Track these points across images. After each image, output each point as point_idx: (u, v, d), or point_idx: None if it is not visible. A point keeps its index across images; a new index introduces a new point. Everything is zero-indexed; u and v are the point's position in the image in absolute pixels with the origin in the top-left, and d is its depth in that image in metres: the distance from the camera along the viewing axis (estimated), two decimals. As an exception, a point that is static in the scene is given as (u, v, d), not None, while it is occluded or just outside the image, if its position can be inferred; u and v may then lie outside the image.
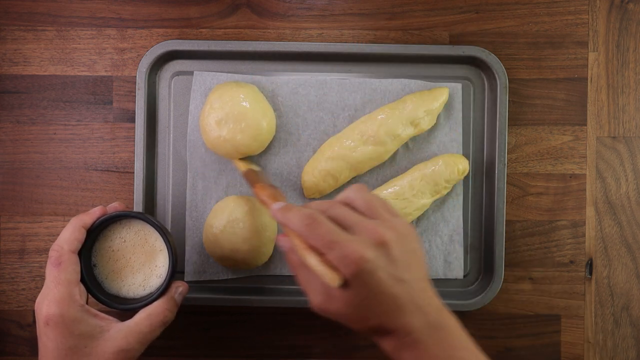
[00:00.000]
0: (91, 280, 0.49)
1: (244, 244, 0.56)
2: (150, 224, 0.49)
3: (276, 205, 0.45)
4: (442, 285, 0.61)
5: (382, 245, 0.41)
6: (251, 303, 0.59)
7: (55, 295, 0.44)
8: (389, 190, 0.58)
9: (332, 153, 0.57)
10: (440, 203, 0.60)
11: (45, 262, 0.60)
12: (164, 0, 0.61)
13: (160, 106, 0.61)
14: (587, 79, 0.61)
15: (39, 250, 0.61)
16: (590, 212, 0.61)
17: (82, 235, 0.47)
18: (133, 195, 0.59)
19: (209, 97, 0.57)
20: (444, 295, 0.60)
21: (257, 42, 0.60)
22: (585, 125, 0.62)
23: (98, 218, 0.48)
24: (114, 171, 0.61)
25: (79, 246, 0.47)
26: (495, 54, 0.59)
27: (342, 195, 0.46)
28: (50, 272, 0.45)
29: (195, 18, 0.61)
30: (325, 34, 0.61)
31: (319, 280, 0.41)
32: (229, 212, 0.57)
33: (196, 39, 0.61)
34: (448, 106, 0.60)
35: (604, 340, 0.61)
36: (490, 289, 0.59)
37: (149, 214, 0.60)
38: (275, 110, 0.59)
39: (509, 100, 0.60)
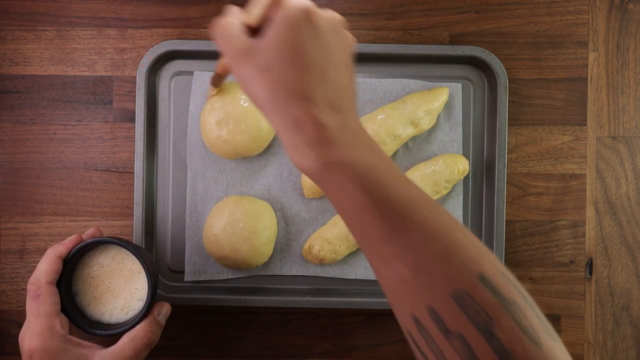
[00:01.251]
0: (73, 309, 0.49)
1: (244, 244, 0.56)
2: (126, 248, 0.49)
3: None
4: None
5: (308, 13, 0.36)
6: (251, 303, 0.59)
7: (36, 328, 0.45)
8: (389, 190, 0.58)
9: (332, 153, 0.57)
10: (440, 203, 0.60)
11: (45, 262, 0.60)
12: (164, 0, 0.61)
13: (160, 106, 0.61)
14: (587, 79, 0.61)
15: (39, 250, 0.61)
16: (590, 212, 0.61)
17: (58, 266, 0.47)
18: (133, 195, 0.59)
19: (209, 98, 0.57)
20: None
21: (257, 42, 0.60)
22: (585, 125, 0.62)
23: (74, 246, 0.49)
24: (114, 171, 0.61)
25: (56, 277, 0.47)
26: (495, 54, 0.59)
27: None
28: (30, 306, 0.46)
29: (195, 18, 0.61)
30: (325, 34, 0.61)
31: (237, 32, 0.37)
32: (229, 212, 0.57)
33: (196, 39, 0.61)
34: (448, 106, 0.60)
35: (604, 340, 0.61)
36: (490, 289, 0.59)
37: (149, 214, 0.60)
38: (275, 110, 0.59)
39: (509, 100, 0.60)
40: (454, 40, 0.61)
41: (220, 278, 0.60)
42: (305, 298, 0.59)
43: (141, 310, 0.49)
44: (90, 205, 0.61)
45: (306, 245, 0.59)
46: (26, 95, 0.61)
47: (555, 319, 0.61)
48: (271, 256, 0.59)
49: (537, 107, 0.61)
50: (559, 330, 0.61)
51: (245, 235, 0.56)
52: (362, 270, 0.60)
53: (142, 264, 0.49)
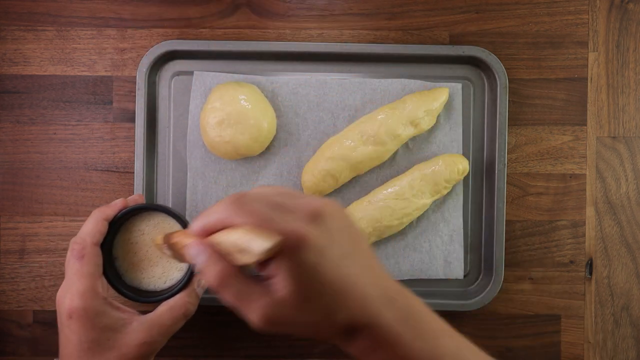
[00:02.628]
0: (112, 273, 0.49)
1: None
2: (172, 216, 0.49)
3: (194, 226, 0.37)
4: (442, 285, 0.61)
5: (320, 217, 0.34)
6: (251, 303, 0.59)
7: (78, 288, 0.44)
8: (389, 190, 0.58)
9: (332, 153, 0.57)
10: (440, 203, 0.60)
11: (46, 262, 0.60)
12: (164, 0, 0.61)
13: (160, 106, 0.61)
14: (587, 79, 0.61)
15: (39, 250, 0.61)
16: (590, 212, 0.61)
17: (104, 228, 0.47)
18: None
19: (209, 98, 0.57)
20: (444, 295, 0.60)
21: (257, 42, 0.60)
22: (585, 125, 0.62)
23: (120, 210, 0.48)
24: (114, 171, 0.61)
25: (101, 239, 0.47)
26: (495, 54, 0.59)
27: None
28: (73, 265, 0.45)
29: (195, 18, 0.61)
30: (325, 34, 0.61)
31: (257, 289, 0.35)
32: None
33: (196, 39, 0.61)
34: (448, 106, 0.60)
35: (604, 340, 0.61)
36: (490, 289, 0.59)
37: None
38: (275, 110, 0.59)
39: (509, 100, 0.60)
40: (454, 40, 0.61)
41: (220, 278, 0.60)
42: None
43: (181, 280, 0.49)
44: (90, 205, 0.61)
45: None
46: (26, 95, 0.61)
47: (555, 319, 0.61)
48: (271, 256, 0.59)
49: (537, 107, 0.61)
50: (559, 330, 0.61)
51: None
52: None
53: None
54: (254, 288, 0.35)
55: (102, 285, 0.46)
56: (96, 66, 0.61)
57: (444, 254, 0.60)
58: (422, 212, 0.59)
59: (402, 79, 0.60)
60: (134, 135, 0.59)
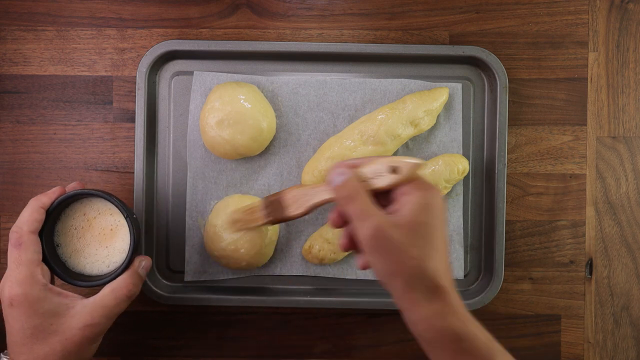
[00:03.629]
0: (55, 259, 0.49)
1: (246, 244, 0.56)
2: (110, 201, 0.50)
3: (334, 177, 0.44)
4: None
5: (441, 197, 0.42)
6: (251, 303, 0.59)
7: (17, 275, 0.45)
8: (389, 190, 0.58)
9: (332, 153, 0.57)
10: (440, 203, 0.60)
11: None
12: (164, 0, 0.61)
13: (160, 106, 0.61)
14: (587, 79, 0.61)
15: (39, 250, 0.61)
16: (590, 212, 0.61)
17: (41, 216, 0.47)
18: (133, 195, 0.59)
19: (209, 97, 0.57)
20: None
21: (257, 42, 0.60)
22: (585, 125, 0.62)
23: (57, 197, 0.49)
24: (114, 171, 0.61)
25: (39, 227, 0.47)
26: (495, 54, 0.59)
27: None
28: (11, 254, 0.46)
29: (195, 18, 0.61)
30: (325, 34, 0.61)
31: (377, 210, 0.40)
32: (230, 212, 0.57)
33: (196, 39, 0.61)
34: (448, 106, 0.60)
35: (604, 340, 0.61)
36: (490, 289, 0.59)
37: (149, 214, 0.60)
38: (275, 110, 0.59)
39: (509, 100, 0.60)
40: (454, 40, 0.61)
41: (220, 278, 0.60)
42: (305, 298, 0.59)
43: (123, 263, 0.49)
44: (90, 205, 0.61)
45: (306, 245, 0.59)
46: (26, 95, 0.61)
47: (555, 319, 0.61)
48: (271, 256, 0.59)
49: (537, 107, 0.61)
50: (559, 330, 0.61)
51: (247, 235, 0.56)
52: (362, 270, 0.60)
53: (125, 217, 0.50)
54: (375, 209, 0.40)
55: (43, 272, 0.46)
56: (96, 66, 0.61)
57: (444, 254, 0.60)
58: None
59: (402, 79, 0.60)
60: (134, 135, 0.59)
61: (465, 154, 0.60)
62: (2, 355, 0.47)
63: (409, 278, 0.39)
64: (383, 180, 0.42)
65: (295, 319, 0.61)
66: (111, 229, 0.51)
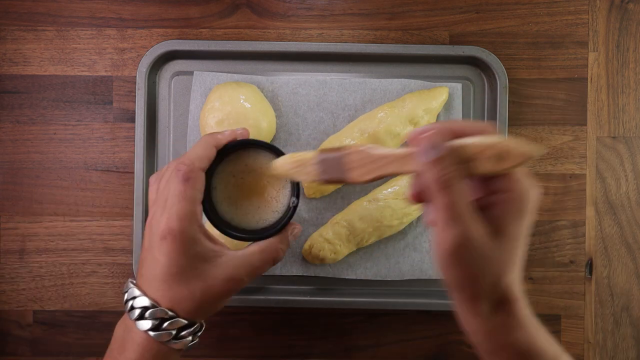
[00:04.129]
0: (209, 202, 0.47)
1: (244, 245, 0.56)
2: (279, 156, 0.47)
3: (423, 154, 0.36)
4: (442, 285, 0.60)
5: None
6: (251, 303, 0.59)
7: (178, 210, 0.42)
8: (389, 190, 0.58)
9: (332, 153, 0.57)
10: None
11: (46, 262, 0.60)
12: (164, 0, 0.61)
13: (160, 106, 0.61)
14: (587, 79, 0.61)
15: (38, 250, 0.61)
16: (590, 212, 0.61)
17: (213, 155, 0.45)
18: (133, 195, 0.59)
19: (209, 97, 0.57)
20: (444, 295, 0.60)
21: (257, 42, 0.60)
22: (585, 125, 0.62)
23: (229, 141, 0.46)
24: (114, 171, 0.61)
25: (208, 165, 0.45)
26: (495, 54, 0.59)
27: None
28: (176, 186, 0.42)
29: (195, 18, 0.61)
30: (325, 34, 0.61)
31: (474, 214, 0.35)
32: None
33: (196, 39, 0.61)
34: (448, 106, 0.60)
35: (604, 340, 0.61)
36: (490, 289, 0.59)
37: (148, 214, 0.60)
38: (275, 110, 0.59)
39: (509, 100, 0.60)
40: (454, 40, 0.61)
41: (220, 278, 0.60)
42: (305, 298, 0.59)
43: (277, 223, 0.47)
44: (90, 205, 0.61)
45: (306, 245, 0.58)
46: (26, 95, 0.61)
47: (555, 319, 0.61)
48: (271, 256, 0.59)
49: (537, 107, 0.61)
50: (559, 330, 0.61)
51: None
52: (362, 270, 0.60)
53: (290, 180, 0.47)
54: (470, 210, 0.34)
55: (200, 212, 0.44)
56: (96, 66, 0.61)
57: (444, 254, 0.60)
58: (422, 212, 0.59)
59: (402, 79, 0.60)
60: (134, 135, 0.59)
61: (465, 154, 0.60)
62: (129, 281, 0.44)
63: (480, 291, 0.35)
64: (486, 166, 0.34)
65: (295, 319, 0.61)
66: (269, 187, 0.48)
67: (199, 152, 0.44)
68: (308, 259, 0.59)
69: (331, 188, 0.59)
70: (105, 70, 0.61)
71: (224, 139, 0.46)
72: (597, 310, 0.61)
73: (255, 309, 0.61)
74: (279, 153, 0.46)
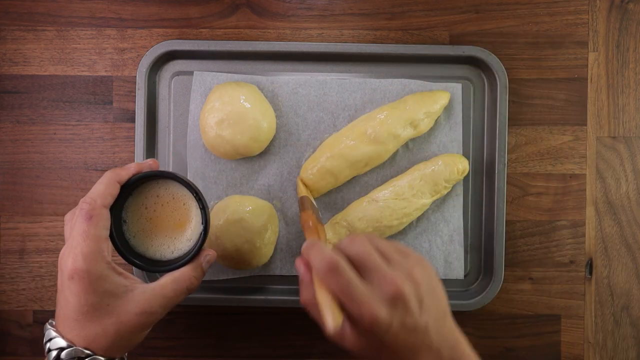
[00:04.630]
0: (119, 237, 0.47)
1: (246, 244, 0.56)
2: (187, 188, 0.47)
3: (306, 242, 0.43)
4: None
5: (399, 299, 0.38)
6: (251, 303, 0.59)
7: (83, 249, 0.42)
8: (389, 190, 0.58)
9: (332, 151, 0.57)
10: (440, 203, 0.60)
11: (46, 262, 0.60)
12: (164, 0, 0.61)
13: (160, 106, 0.61)
14: (587, 79, 0.61)
15: (39, 250, 0.61)
16: (590, 212, 0.61)
17: (116, 191, 0.45)
18: (133, 195, 0.59)
19: (209, 98, 0.57)
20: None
21: (257, 42, 0.60)
22: (585, 125, 0.62)
23: (134, 175, 0.46)
24: (114, 171, 0.61)
25: (112, 201, 0.45)
26: (495, 54, 0.59)
27: (348, 244, 0.42)
28: (80, 225, 0.43)
29: (195, 18, 0.61)
30: (325, 34, 0.61)
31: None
32: (231, 212, 0.56)
33: (196, 39, 0.61)
34: (448, 106, 0.60)
35: (604, 340, 0.61)
36: (490, 289, 0.59)
37: None
38: (275, 110, 0.59)
39: (509, 100, 0.60)
40: (454, 40, 0.61)
41: (220, 278, 0.60)
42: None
43: (189, 252, 0.47)
44: (90, 205, 0.61)
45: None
46: (26, 95, 0.61)
47: (555, 319, 0.61)
48: (271, 256, 0.59)
49: (537, 107, 0.61)
50: (559, 330, 0.61)
51: (247, 235, 0.56)
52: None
53: (200, 208, 0.47)
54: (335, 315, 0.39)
55: (108, 248, 0.44)
56: (96, 66, 0.61)
57: (444, 254, 0.60)
58: (422, 212, 0.59)
59: (402, 79, 0.60)
60: (134, 135, 0.59)
61: (465, 154, 0.60)
62: (48, 325, 0.45)
63: None
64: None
65: (295, 319, 0.61)
66: (182, 216, 0.48)
67: (101, 190, 0.44)
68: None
69: (329, 186, 0.59)
70: (105, 70, 0.61)
71: (126, 174, 0.46)
72: (597, 310, 0.61)
73: (255, 309, 0.61)
74: (187, 183, 0.47)
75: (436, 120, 0.60)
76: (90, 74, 0.61)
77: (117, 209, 0.46)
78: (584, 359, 0.61)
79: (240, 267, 0.58)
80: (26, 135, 0.61)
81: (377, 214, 0.57)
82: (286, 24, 0.61)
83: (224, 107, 0.56)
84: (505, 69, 0.59)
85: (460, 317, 0.61)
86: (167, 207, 0.48)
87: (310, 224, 0.48)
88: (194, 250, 0.47)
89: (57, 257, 0.60)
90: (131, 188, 0.47)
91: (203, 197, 0.48)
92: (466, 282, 0.61)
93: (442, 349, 0.41)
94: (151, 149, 0.60)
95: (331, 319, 0.38)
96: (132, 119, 0.61)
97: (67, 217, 0.47)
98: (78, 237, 0.43)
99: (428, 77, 0.61)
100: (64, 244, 0.61)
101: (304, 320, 0.61)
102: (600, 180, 0.61)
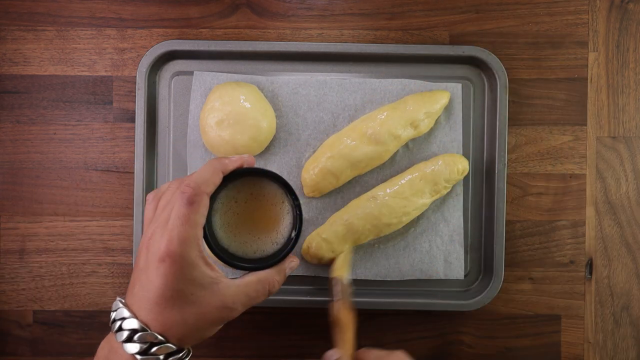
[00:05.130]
0: (209, 227, 0.46)
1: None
2: (287, 193, 0.46)
3: (330, 354, 0.46)
4: (442, 285, 0.61)
5: None
6: (251, 303, 0.59)
7: (181, 233, 0.41)
8: (389, 188, 0.58)
9: (332, 151, 0.57)
10: (440, 203, 0.60)
11: (46, 262, 0.60)
12: (164, 0, 0.61)
13: (160, 106, 0.61)
14: (587, 79, 0.61)
15: (39, 250, 0.61)
16: (590, 212, 0.61)
17: (219, 180, 0.44)
18: (133, 195, 0.59)
19: (209, 97, 0.57)
20: (444, 295, 0.60)
21: (257, 42, 0.60)
22: (585, 125, 0.62)
23: (237, 167, 0.46)
24: (114, 171, 0.61)
25: (213, 190, 0.44)
26: (495, 54, 0.59)
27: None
28: (180, 209, 0.42)
29: (195, 18, 0.61)
30: (325, 34, 0.61)
31: None
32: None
33: (196, 39, 0.61)
34: (448, 106, 0.60)
35: (604, 340, 0.61)
36: (490, 289, 0.59)
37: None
38: (275, 110, 0.59)
39: (509, 100, 0.60)
40: (454, 40, 0.61)
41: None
42: (305, 298, 0.59)
43: (275, 255, 0.47)
44: (90, 205, 0.61)
45: (305, 245, 0.58)
46: (26, 95, 0.61)
47: (555, 319, 0.61)
48: (271, 256, 0.59)
49: (537, 107, 0.61)
50: (559, 330, 0.61)
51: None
52: (362, 270, 0.60)
53: (293, 211, 0.47)
54: None
55: (201, 236, 0.43)
56: (96, 66, 0.61)
57: (444, 254, 0.60)
58: (421, 212, 0.59)
59: (402, 79, 0.60)
60: (134, 135, 0.59)
61: (465, 154, 0.60)
62: (118, 300, 0.43)
63: None
64: None
65: (295, 319, 0.61)
66: (270, 218, 0.47)
67: (206, 176, 0.43)
68: (307, 258, 0.59)
69: (330, 186, 0.59)
70: (105, 70, 0.61)
71: (231, 165, 0.45)
72: (597, 310, 0.61)
73: (255, 309, 0.61)
74: (284, 184, 0.46)
75: (436, 120, 0.60)
76: (90, 74, 0.61)
77: (211, 197, 0.45)
78: (584, 359, 0.61)
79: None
80: (26, 135, 0.61)
81: (376, 211, 0.57)
82: (286, 24, 0.61)
83: (224, 107, 0.56)
84: (505, 69, 0.59)
85: (460, 317, 0.61)
86: (257, 205, 0.47)
87: (341, 324, 0.50)
88: (282, 254, 0.46)
89: (58, 257, 0.61)
90: (229, 179, 0.46)
91: (299, 204, 0.47)
92: (466, 282, 0.61)
93: None
94: (151, 149, 0.60)
95: None
96: (132, 119, 0.61)
97: (150, 196, 0.45)
98: (177, 219, 0.41)
99: (428, 77, 0.61)
100: (64, 244, 0.61)
101: (304, 320, 0.61)
102: (600, 180, 0.61)
